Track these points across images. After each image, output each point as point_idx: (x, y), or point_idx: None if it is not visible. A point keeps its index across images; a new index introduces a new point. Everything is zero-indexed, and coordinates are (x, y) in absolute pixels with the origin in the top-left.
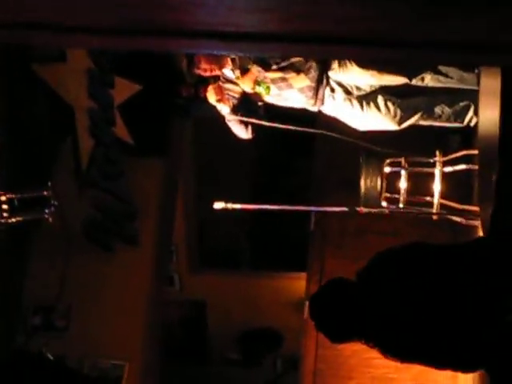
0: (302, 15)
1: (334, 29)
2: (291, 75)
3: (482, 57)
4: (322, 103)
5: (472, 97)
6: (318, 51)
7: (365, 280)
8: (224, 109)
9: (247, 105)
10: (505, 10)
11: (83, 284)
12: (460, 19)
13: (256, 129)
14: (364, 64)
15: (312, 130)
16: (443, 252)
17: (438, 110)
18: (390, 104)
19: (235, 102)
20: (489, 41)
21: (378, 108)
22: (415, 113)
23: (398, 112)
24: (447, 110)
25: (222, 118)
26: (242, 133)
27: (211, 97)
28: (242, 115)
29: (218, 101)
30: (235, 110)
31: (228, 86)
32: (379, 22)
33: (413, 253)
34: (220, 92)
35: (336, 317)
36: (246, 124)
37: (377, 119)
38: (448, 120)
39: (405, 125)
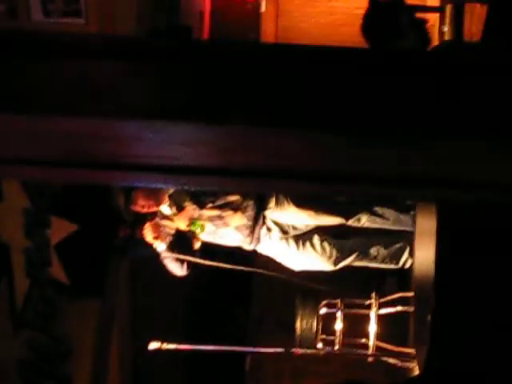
0: (237, 148)
1: (271, 162)
2: (228, 213)
3: (418, 191)
4: (258, 242)
5: (407, 239)
6: (257, 185)
7: None
8: (160, 246)
9: (183, 241)
10: (441, 144)
11: None
12: (396, 153)
13: (193, 268)
14: (301, 204)
15: (248, 269)
16: None
17: (373, 251)
18: (325, 244)
19: (171, 238)
20: (424, 175)
21: (314, 248)
22: (351, 254)
23: (334, 252)
24: (383, 251)
25: (158, 256)
26: (178, 270)
27: (148, 234)
28: (177, 252)
29: (155, 238)
30: (171, 247)
31: (165, 222)
32: (314, 156)
33: None
34: (157, 229)
35: None
36: (181, 261)
37: (312, 259)
38: (383, 261)
39: (340, 265)
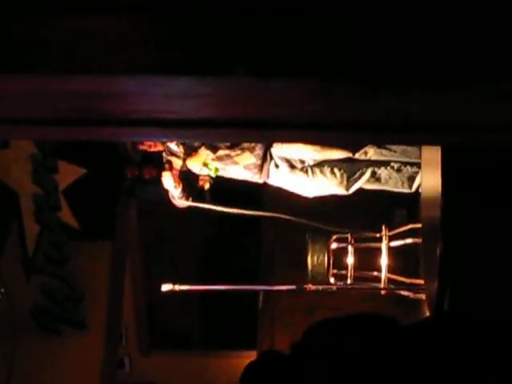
0: (238, 100)
1: (270, 112)
2: (237, 153)
3: (421, 136)
4: (268, 177)
5: (419, 165)
6: (256, 135)
7: (298, 350)
8: (176, 192)
9: (194, 185)
10: (440, 91)
11: (32, 370)
12: (396, 100)
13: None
14: None
15: (257, 213)
16: (385, 328)
17: (385, 175)
18: (336, 170)
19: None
20: (426, 121)
21: (324, 175)
22: (362, 175)
23: (345, 176)
24: (395, 174)
25: (167, 198)
26: (181, 202)
27: (167, 182)
28: (192, 199)
29: (175, 187)
30: (185, 193)
31: (172, 158)
32: (316, 104)
33: (351, 324)
34: (175, 177)
35: None
36: (187, 197)
37: (324, 185)
38: (395, 185)
39: (352, 189)
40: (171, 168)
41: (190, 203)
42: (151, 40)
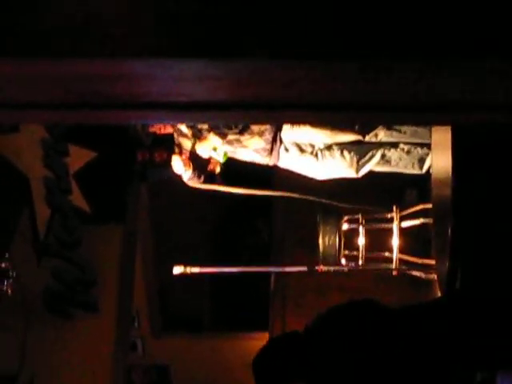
0: (248, 82)
1: (282, 94)
2: (246, 137)
3: (431, 116)
4: (278, 160)
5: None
6: (267, 117)
7: (311, 333)
8: (187, 174)
9: (204, 165)
10: (450, 71)
11: (45, 354)
12: (406, 80)
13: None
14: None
15: (268, 193)
16: (393, 313)
17: (395, 157)
18: (345, 153)
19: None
20: (436, 100)
21: (334, 157)
22: (372, 158)
23: (355, 159)
24: (405, 156)
25: (178, 181)
26: (193, 183)
27: (177, 166)
28: (203, 181)
29: (185, 170)
30: (196, 173)
31: (182, 139)
32: (326, 86)
33: (363, 309)
34: (186, 162)
35: (279, 368)
36: (199, 176)
37: (334, 167)
38: (406, 167)
39: (363, 171)
40: (180, 152)
41: (201, 185)
42: (161, 23)
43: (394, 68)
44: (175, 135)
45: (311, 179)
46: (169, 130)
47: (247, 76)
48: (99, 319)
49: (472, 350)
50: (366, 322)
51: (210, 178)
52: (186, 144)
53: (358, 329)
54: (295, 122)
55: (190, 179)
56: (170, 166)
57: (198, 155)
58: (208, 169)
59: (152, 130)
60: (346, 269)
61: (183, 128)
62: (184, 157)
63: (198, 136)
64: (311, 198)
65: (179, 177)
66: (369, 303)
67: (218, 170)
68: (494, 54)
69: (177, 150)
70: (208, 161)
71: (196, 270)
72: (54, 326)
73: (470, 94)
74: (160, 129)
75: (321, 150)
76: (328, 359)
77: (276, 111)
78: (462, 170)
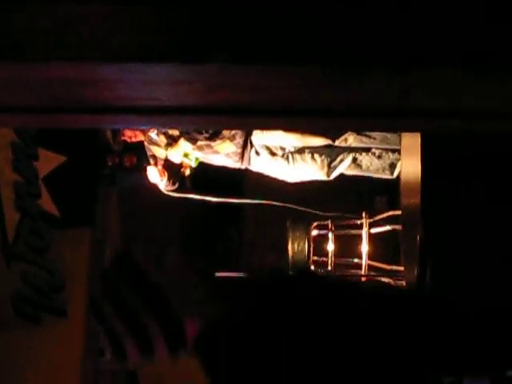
0: (218, 86)
1: (253, 99)
2: (216, 142)
3: (399, 123)
4: (249, 163)
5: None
6: (239, 122)
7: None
8: (162, 183)
9: (178, 172)
10: (415, 76)
11: (12, 359)
12: (375, 84)
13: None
14: None
15: (239, 201)
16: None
17: (366, 160)
18: (316, 156)
19: (161, 163)
20: (404, 107)
21: (305, 161)
22: (342, 161)
23: (326, 162)
24: (376, 161)
25: (148, 186)
26: (168, 190)
27: (154, 176)
28: (178, 187)
29: (161, 179)
30: (172, 181)
31: (152, 147)
32: (296, 92)
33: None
34: (161, 172)
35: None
36: (173, 183)
37: (305, 170)
38: (377, 171)
39: (334, 175)
40: (156, 162)
41: (176, 193)
42: (130, 27)
43: (365, 73)
44: (146, 143)
45: (282, 183)
46: (140, 138)
47: (218, 81)
48: (68, 324)
49: (438, 354)
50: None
51: (181, 182)
52: (158, 152)
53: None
54: (263, 127)
55: (166, 187)
56: (140, 171)
57: (171, 162)
58: (181, 172)
59: (123, 138)
60: None
61: (154, 136)
62: (159, 166)
63: (169, 143)
64: (282, 204)
65: (154, 185)
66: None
67: (187, 173)
68: (466, 62)
69: (152, 160)
70: (180, 166)
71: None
72: (22, 331)
73: (438, 101)
74: (131, 137)
75: (291, 153)
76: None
77: (248, 117)
78: (431, 177)
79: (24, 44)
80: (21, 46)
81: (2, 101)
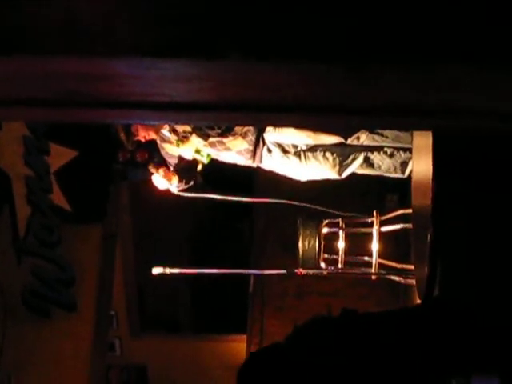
0: (230, 83)
1: (266, 96)
2: (229, 139)
3: (411, 121)
4: (261, 161)
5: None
6: (252, 119)
7: (292, 344)
8: (173, 186)
9: (188, 173)
10: (430, 76)
11: (23, 352)
12: (393, 80)
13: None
14: None
15: (250, 200)
16: (371, 320)
17: (378, 159)
18: (328, 154)
19: (174, 161)
20: (416, 105)
21: (317, 159)
22: (354, 160)
23: (338, 161)
24: (387, 160)
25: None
26: (178, 187)
27: (160, 183)
28: (185, 179)
29: (170, 184)
30: (184, 181)
31: (165, 145)
32: (309, 89)
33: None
34: (167, 175)
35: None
36: (187, 182)
37: (316, 169)
38: (388, 170)
39: (345, 173)
40: (158, 167)
41: (190, 194)
42: (145, 22)
43: (378, 71)
44: (158, 141)
45: (293, 181)
46: (152, 136)
47: (230, 77)
48: (77, 319)
49: (448, 356)
50: (344, 332)
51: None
52: (171, 149)
53: (337, 339)
54: (277, 124)
55: (178, 188)
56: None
57: (183, 161)
58: (196, 170)
59: (136, 139)
60: (325, 272)
61: (166, 133)
62: (161, 171)
63: (180, 139)
64: (292, 202)
65: (168, 191)
66: (346, 314)
67: (199, 168)
68: (481, 61)
69: (153, 168)
70: (193, 163)
71: (175, 271)
72: (32, 325)
73: (450, 100)
74: (144, 137)
75: (304, 152)
76: (310, 370)
77: (260, 113)
78: (442, 176)
79: (38, 38)
80: (35, 40)
81: (17, 94)
